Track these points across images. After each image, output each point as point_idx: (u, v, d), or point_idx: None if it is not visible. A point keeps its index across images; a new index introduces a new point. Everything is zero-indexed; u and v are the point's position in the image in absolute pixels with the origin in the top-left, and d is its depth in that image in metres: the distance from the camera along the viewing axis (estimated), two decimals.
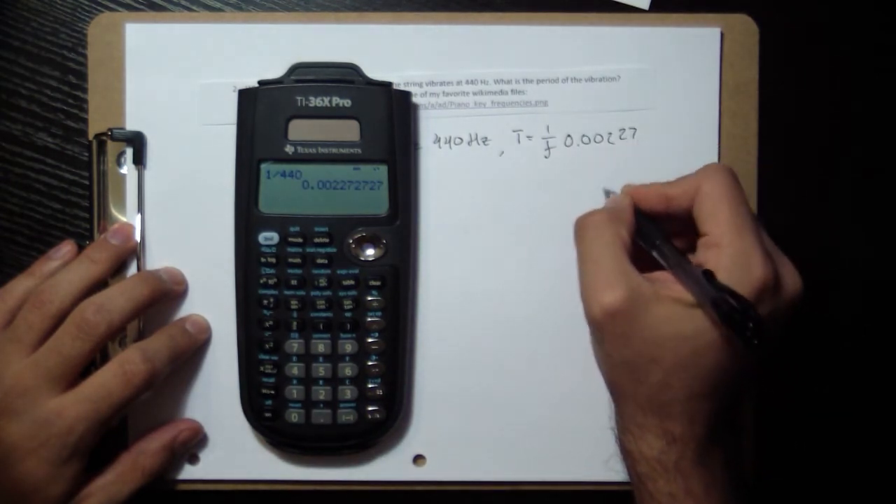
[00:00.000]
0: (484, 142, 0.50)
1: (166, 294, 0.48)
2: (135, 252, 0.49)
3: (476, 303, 0.50)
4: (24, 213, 0.51)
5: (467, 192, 0.50)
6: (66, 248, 0.49)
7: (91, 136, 0.50)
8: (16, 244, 0.51)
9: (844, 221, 0.52)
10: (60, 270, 0.47)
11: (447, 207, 0.50)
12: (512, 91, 0.50)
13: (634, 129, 0.50)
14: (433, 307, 0.50)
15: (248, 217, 0.47)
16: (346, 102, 0.47)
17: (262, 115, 0.47)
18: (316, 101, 0.47)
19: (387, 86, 0.48)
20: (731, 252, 0.41)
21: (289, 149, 0.47)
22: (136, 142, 0.49)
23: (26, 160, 0.51)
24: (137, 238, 0.49)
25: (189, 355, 0.49)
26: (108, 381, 0.45)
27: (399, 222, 0.48)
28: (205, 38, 0.49)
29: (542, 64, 0.50)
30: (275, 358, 0.48)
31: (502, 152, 0.50)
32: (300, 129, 0.47)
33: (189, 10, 0.51)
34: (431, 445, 0.51)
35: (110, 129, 0.49)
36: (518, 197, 0.50)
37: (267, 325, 0.48)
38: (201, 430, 0.50)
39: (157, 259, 0.49)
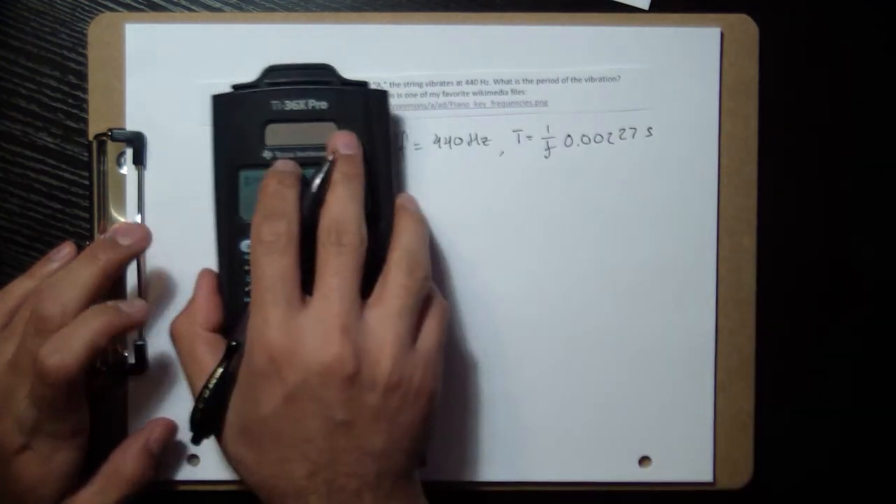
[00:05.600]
0: (484, 142, 0.50)
1: (124, 327, 0.45)
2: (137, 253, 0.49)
3: (476, 303, 0.50)
4: (24, 213, 0.51)
5: (467, 192, 0.50)
6: (66, 249, 0.49)
7: (91, 136, 0.50)
8: (16, 244, 0.51)
9: (845, 222, 0.52)
10: (60, 271, 0.47)
11: (447, 207, 0.50)
12: (512, 91, 0.50)
13: (634, 129, 0.50)
14: None
15: (229, 225, 0.46)
16: (322, 105, 0.46)
17: (238, 120, 0.46)
18: (292, 105, 0.46)
19: (362, 85, 0.47)
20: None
21: (267, 154, 0.46)
22: (136, 142, 0.49)
23: (26, 160, 0.51)
24: None
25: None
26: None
27: (381, 223, 0.46)
28: (205, 38, 0.49)
29: (542, 64, 0.50)
30: None
31: (502, 152, 0.50)
32: (277, 134, 0.46)
33: (189, 10, 0.51)
34: (432, 445, 0.51)
35: (110, 130, 0.49)
36: (518, 197, 0.50)
37: None
38: (174, 426, 0.49)
39: (156, 259, 0.49)
